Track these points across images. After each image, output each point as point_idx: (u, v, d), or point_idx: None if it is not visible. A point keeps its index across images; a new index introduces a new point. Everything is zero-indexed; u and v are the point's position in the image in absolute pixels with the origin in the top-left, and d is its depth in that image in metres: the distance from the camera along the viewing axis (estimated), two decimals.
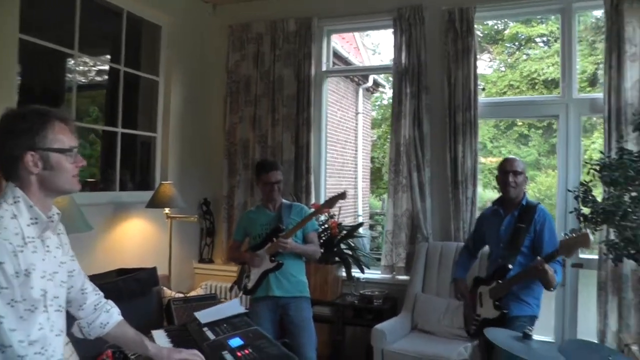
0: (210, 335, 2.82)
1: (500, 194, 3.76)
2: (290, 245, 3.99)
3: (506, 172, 3.61)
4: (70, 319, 2.08)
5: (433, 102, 5.20)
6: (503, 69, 14.60)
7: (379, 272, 5.43)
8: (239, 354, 2.45)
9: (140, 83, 5.56)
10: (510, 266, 3.48)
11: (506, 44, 14.89)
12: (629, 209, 3.49)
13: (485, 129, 13.82)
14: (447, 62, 5.09)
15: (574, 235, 2.99)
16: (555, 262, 3.29)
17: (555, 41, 12.34)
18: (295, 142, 5.64)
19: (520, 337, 2.56)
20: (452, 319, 4.55)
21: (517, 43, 14.71)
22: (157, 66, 5.64)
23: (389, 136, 5.62)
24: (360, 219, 8.85)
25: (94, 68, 5.41)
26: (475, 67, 5.04)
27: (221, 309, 3.26)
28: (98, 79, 5.50)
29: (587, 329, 4.76)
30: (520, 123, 13.53)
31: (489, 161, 12.31)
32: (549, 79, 12.29)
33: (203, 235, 6.06)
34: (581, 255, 4.87)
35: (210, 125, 6.13)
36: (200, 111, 6.05)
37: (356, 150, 10.19)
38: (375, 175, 13.36)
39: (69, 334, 2.13)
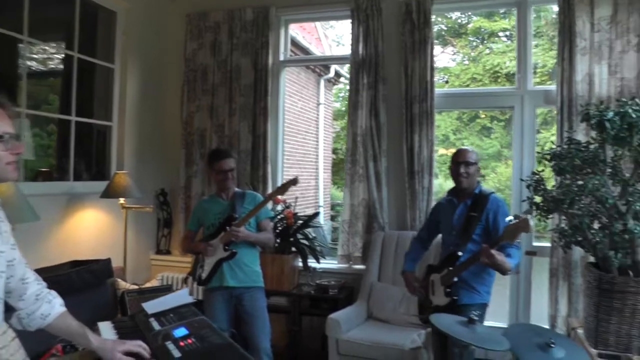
0: (156, 325, 2.76)
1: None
2: (243, 234, 3.98)
3: (458, 163, 3.65)
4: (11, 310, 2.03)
5: (390, 93, 5.23)
6: (466, 62, 14.74)
7: (336, 262, 5.45)
8: (182, 343, 2.41)
9: (95, 70, 5.45)
10: (460, 253, 3.51)
11: (470, 38, 15.02)
12: (576, 197, 3.54)
13: (448, 121, 13.96)
14: (404, 53, 5.13)
15: (515, 220, 3.03)
16: (512, 247, 3.32)
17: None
18: (252, 131, 5.62)
19: (465, 322, 2.58)
20: (407, 307, 4.60)
21: (480, 37, 14.86)
22: (112, 53, 5.53)
23: None
24: (321, 210, 8.86)
25: (54, 55, 5.29)
26: (432, 59, 5.08)
27: (169, 299, 3.21)
28: (58, 66, 5.36)
29: (540, 314, 4.90)
30: (483, 115, 13.70)
31: (450, 152, 12.43)
32: (511, 72, 12.44)
33: (160, 226, 6.00)
34: (534, 243, 5.06)
35: (167, 114, 6.06)
36: (157, 100, 5.98)
37: (317, 141, 10.17)
38: (337, 167, 13.39)
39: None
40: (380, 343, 4.29)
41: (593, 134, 3.63)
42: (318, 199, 9.91)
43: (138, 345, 2.21)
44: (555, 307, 4.71)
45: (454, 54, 15.23)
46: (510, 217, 3.10)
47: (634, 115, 3.28)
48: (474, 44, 15.04)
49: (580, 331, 3.86)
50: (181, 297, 3.23)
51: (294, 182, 4.09)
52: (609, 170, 3.56)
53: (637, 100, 3.47)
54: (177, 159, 5.92)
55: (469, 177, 3.64)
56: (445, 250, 3.75)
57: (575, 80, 4.68)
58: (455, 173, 3.67)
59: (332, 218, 11.51)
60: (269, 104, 5.59)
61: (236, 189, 4.25)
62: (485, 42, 14.60)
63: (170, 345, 2.39)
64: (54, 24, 5.21)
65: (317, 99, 10.24)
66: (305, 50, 8.78)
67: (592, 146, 3.61)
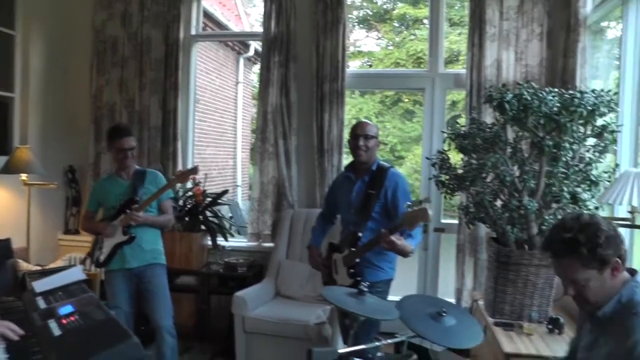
0: (42, 303, 2.70)
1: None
2: (142, 218, 3.93)
3: (357, 136, 3.54)
4: None
5: (301, 71, 5.22)
6: (391, 47, 14.92)
7: (246, 240, 5.42)
8: (64, 321, 2.36)
9: None
10: (360, 234, 3.46)
11: (394, 24, 15.20)
12: (478, 175, 3.64)
13: (371, 104, 14.13)
14: (317, 32, 5.11)
15: (415, 209, 3.00)
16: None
17: None
18: (162, 107, 5.49)
19: (355, 294, 2.60)
20: (314, 284, 4.62)
21: (405, 23, 15.05)
22: (12, 19, 5.22)
23: None
24: (239, 189, 8.79)
25: None
26: (344, 39, 5.09)
27: (60, 277, 3.13)
28: None
29: (447, 288, 5.10)
30: (406, 100, 13.93)
31: None
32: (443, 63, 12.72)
33: (68, 204, 5.78)
34: (442, 220, 5.25)
35: (76, 87, 5.80)
36: (65, 72, 5.73)
37: (236, 120, 10.03)
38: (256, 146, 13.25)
39: None
40: (285, 319, 4.31)
41: (497, 115, 3.74)
42: (236, 179, 9.81)
43: (4, 326, 2.12)
44: (462, 281, 4.90)
45: (379, 38, 15.39)
46: (409, 203, 3.05)
47: (528, 98, 3.41)
48: (399, 29, 15.22)
49: (481, 302, 4.03)
50: (73, 274, 3.15)
51: (193, 171, 4.06)
52: (510, 150, 3.70)
53: (532, 83, 3.63)
54: (86, 135, 5.70)
55: (368, 150, 3.54)
56: (346, 228, 3.69)
57: (485, 65, 4.83)
58: (354, 146, 3.56)
59: (250, 197, 11.41)
60: (180, 79, 5.46)
61: (137, 167, 4.16)
62: (409, 28, 14.81)
63: (52, 324, 2.35)
64: None
65: (235, 77, 10.08)
66: (223, 27, 8.61)
67: (495, 127, 3.73)
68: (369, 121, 3.68)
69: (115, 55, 5.59)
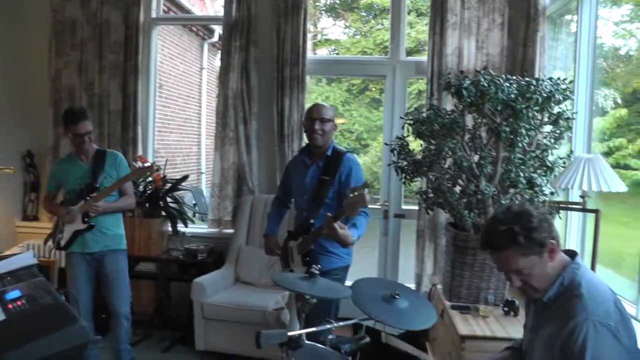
0: None
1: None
2: (102, 208, 3.89)
3: (313, 119, 3.48)
4: None
5: (262, 56, 5.18)
6: (358, 36, 14.93)
7: (206, 226, 5.38)
8: (10, 305, 2.31)
9: None
10: (312, 221, 3.41)
11: (362, 13, 15.21)
12: (435, 160, 3.67)
13: (337, 93, 14.14)
14: (277, 17, 5.07)
15: (355, 194, 2.97)
16: (360, 215, 3.22)
17: (409, 14, 12.75)
18: (122, 91, 5.38)
19: (307, 277, 2.60)
20: (274, 270, 4.61)
21: (372, 13, 15.08)
22: None
23: None
24: (203, 176, 8.71)
25: None
26: (305, 24, 5.07)
27: (10, 262, 3.04)
28: None
29: (407, 274, 5.14)
30: (373, 89, 13.98)
31: (339, 122, 12.66)
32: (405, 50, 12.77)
33: (27, 190, 5.64)
34: (403, 207, 5.27)
35: (33, 69, 5.63)
36: (21, 53, 5.57)
37: (200, 106, 9.91)
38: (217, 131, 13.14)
39: None
40: (244, 305, 4.31)
41: (456, 102, 3.76)
42: (200, 166, 9.71)
43: None
44: (422, 266, 4.95)
45: (346, 27, 15.38)
46: (351, 188, 3.01)
47: (485, 84, 3.44)
48: (366, 18, 15.24)
49: (439, 287, 4.09)
50: (23, 259, 3.08)
51: (150, 169, 4.03)
52: (468, 136, 3.74)
53: (489, 70, 3.67)
54: (45, 118, 5.56)
55: (324, 134, 3.48)
56: (299, 214, 3.63)
57: (446, 53, 4.86)
58: (309, 129, 3.50)
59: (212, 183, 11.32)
60: (140, 62, 5.36)
61: (96, 148, 4.08)
62: (376, 17, 14.84)
63: None
64: None
65: (200, 63, 9.94)
66: (187, 11, 8.47)
67: (454, 114, 3.76)
68: (325, 104, 3.60)
69: (75, 38, 5.46)
